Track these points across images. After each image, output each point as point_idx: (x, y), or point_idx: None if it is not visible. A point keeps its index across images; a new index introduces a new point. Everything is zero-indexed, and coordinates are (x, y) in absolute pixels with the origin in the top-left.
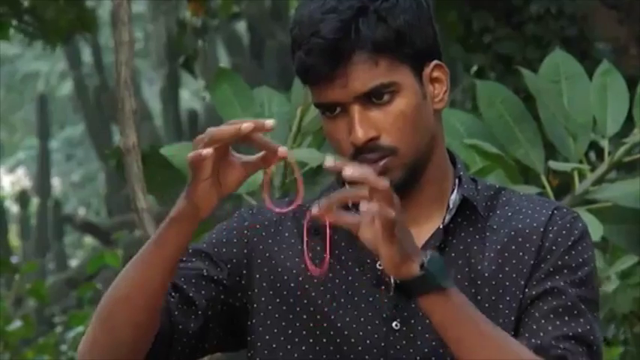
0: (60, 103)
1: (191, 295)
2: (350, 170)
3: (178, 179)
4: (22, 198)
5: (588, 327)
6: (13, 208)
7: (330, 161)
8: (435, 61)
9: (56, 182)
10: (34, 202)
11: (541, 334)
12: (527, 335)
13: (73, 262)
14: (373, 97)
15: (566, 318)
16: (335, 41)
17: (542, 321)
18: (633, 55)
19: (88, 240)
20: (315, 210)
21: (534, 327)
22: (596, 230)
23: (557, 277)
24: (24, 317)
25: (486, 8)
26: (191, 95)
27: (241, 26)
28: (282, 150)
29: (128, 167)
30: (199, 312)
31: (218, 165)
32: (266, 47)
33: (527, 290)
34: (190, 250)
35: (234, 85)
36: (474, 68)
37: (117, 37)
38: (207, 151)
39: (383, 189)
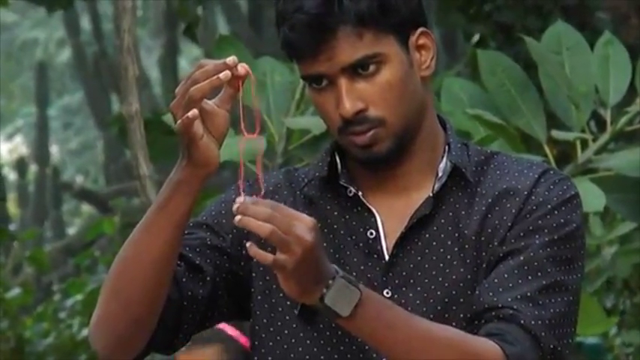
0: (58, 71)
1: (198, 262)
2: (238, 218)
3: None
4: (21, 166)
5: (552, 290)
6: (11, 175)
7: (237, 201)
8: (421, 29)
9: (54, 150)
10: (32, 169)
11: (500, 289)
12: (487, 287)
13: (71, 230)
14: (359, 69)
15: (529, 277)
16: (318, 16)
17: (505, 275)
18: (634, 24)
19: (86, 208)
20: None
21: (496, 281)
22: (598, 199)
23: (533, 236)
24: (23, 284)
25: None
26: (189, 64)
27: None
28: (240, 65)
29: (131, 134)
30: (207, 278)
31: (203, 119)
32: (265, 16)
33: (504, 247)
34: (191, 224)
35: (235, 53)
36: (475, 38)
37: (119, 3)
38: (194, 112)
39: (271, 239)
